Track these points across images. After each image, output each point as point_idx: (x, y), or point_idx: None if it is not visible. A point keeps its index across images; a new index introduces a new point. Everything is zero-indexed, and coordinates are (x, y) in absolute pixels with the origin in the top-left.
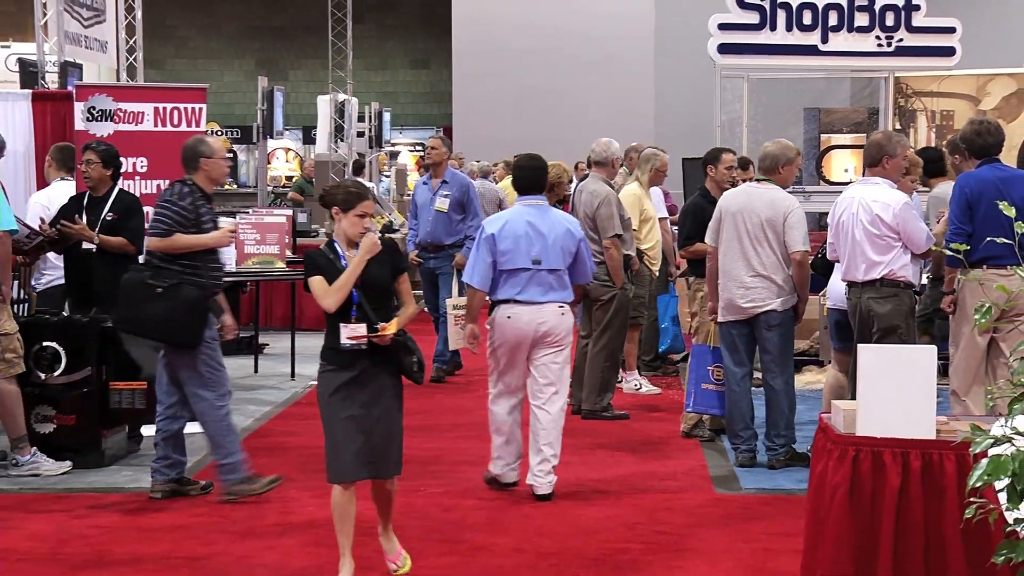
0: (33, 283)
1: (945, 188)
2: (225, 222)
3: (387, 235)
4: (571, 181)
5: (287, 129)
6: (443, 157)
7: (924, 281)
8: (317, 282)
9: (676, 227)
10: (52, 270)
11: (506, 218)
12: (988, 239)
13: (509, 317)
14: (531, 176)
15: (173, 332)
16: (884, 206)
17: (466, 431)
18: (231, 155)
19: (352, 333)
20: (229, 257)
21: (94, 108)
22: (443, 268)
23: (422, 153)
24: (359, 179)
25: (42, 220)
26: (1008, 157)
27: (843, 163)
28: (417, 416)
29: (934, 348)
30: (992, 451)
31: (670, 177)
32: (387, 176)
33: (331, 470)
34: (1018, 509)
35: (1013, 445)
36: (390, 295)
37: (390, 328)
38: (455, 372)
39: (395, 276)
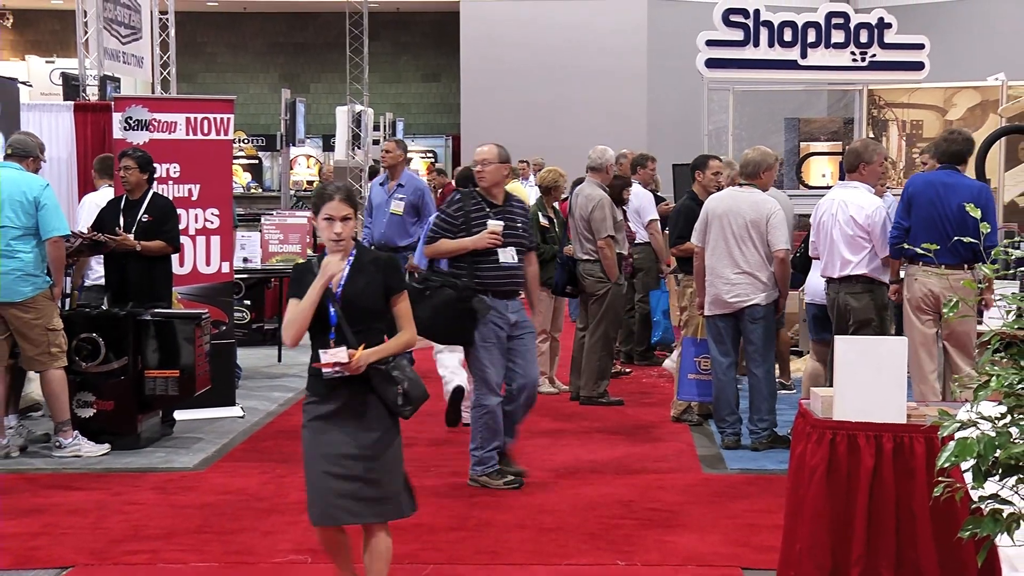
0: (83, 280)
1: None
2: (493, 224)
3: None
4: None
5: (308, 137)
6: (398, 159)
7: (902, 276)
8: (289, 307)
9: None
10: (101, 267)
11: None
12: (921, 244)
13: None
14: (468, 184)
15: (438, 333)
16: (859, 208)
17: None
18: (257, 161)
19: (329, 359)
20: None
21: (131, 118)
22: None
23: (432, 159)
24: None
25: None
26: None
27: (821, 168)
28: (428, 403)
29: (905, 340)
30: (959, 434)
31: (661, 181)
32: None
33: (311, 512)
34: (982, 488)
35: (978, 429)
36: (380, 317)
37: (363, 355)
38: None
39: (388, 295)
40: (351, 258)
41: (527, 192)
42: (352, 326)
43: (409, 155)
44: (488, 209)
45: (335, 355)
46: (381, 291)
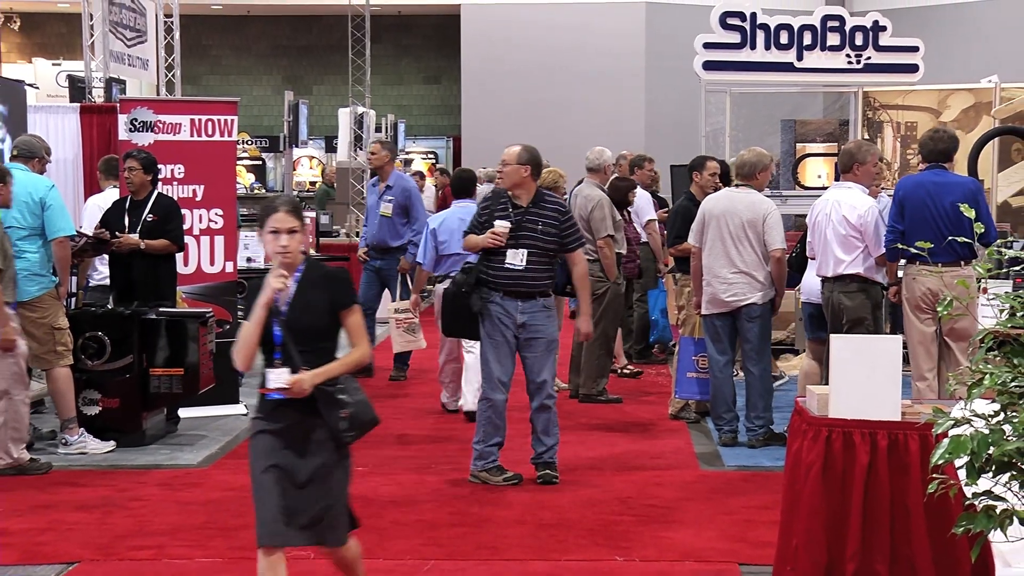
0: (88, 280)
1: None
2: (498, 225)
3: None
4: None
5: (311, 139)
6: (383, 161)
7: (900, 273)
8: (242, 329)
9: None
10: (105, 267)
11: (444, 216)
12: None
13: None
14: (462, 185)
15: (444, 324)
16: (851, 208)
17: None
18: (260, 162)
19: (273, 381)
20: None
21: (136, 120)
22: (389, 271)
23: (433, 160)
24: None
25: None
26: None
27: (816, 170)
28: (430, 400)
29: (899, 338)
30: (952, 432)
31: (660, 181)
32: None
33: (257, 532)
34: (976, 484)
35: (972, 426)
36: (330, 335)
37: (305, 378)
38: (395, 378)
39: (336, 311)
40: (298, 274)
41: None
42: (299, 345)
43: (409, 155)
44: (511, 210)
45: (278, 376)
46: (328, 307)
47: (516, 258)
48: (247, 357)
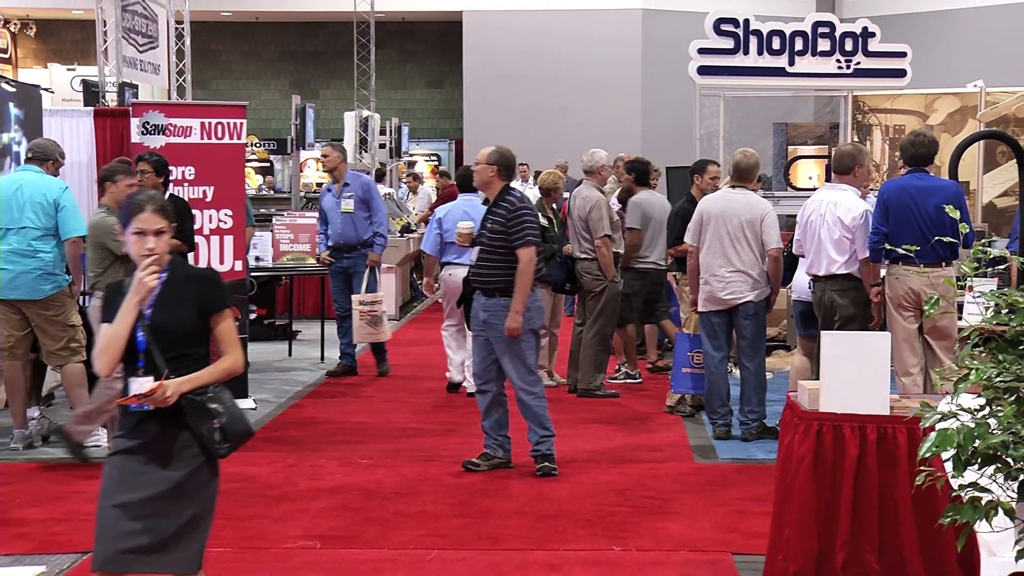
0: None
1: (645, 196)
2: (459, 224)
3: (195, 264)
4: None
5: (317, 141)
6: (336, 162)
7: (883, 274)
8: (101, 333)
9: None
10: None
11: (450, 207)
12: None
13: (450, 274)
14: (466, 181)
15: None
16: (846, 210)
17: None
18: (268, 164)
19: (134, 390)
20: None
21: (148, 123)
22: (357, 267)
23: (436, 162)
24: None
25: None
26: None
27: (807, 171)
28: (433, 394)
29: (888, 335)
30: (939, 425)
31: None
32: (405, 183)
33: (93, 556)
34: (962, 476)
35: (958, 420)
36: (199, 341)
37: (169, 385)
38: (347, 375)
39: (205, 315)
40: (164, 274)
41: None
42: (165, 352)
43: (413, 157)
44: (485, 208)
45: (141, 385)
46: (196, 311)
47: (474, 255)
48: (111, 363)
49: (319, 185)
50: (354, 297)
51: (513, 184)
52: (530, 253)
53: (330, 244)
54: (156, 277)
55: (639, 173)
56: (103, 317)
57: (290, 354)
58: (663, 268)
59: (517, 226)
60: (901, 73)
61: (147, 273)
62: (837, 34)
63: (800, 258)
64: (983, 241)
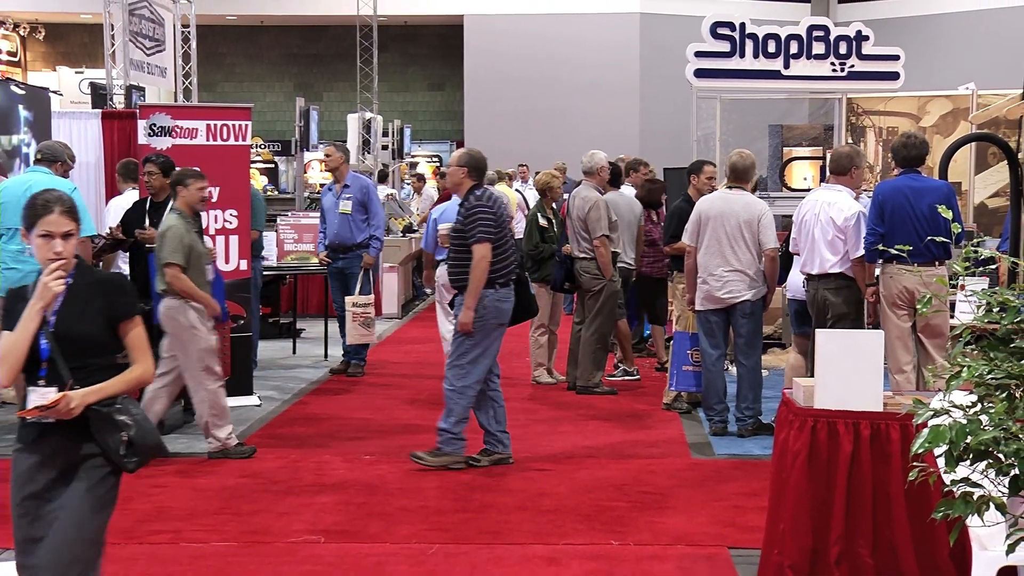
0: None
1: (613, 196)
2: (443, 226)
3: (111, 270)
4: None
5: (321, 143)
6: (339, 163)
7: (877, 273)
8: (2, 340)
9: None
10: (126, 267)
11: (445, 207)
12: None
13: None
14: None
15: None
16: (839, 211)
17: None
18: (273, 165)
19: (35, 401)
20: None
21: (155, 125)
22: (352, 267)
23: (438, 163)
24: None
25: (110, 228)
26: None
27: (802, 172)
28: (434, 391)
29: (881, 333)
30: (932, 422)
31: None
32: (407, 183)
33: None
34: (954, 472)
35: (950, 416)
36: (105, 350)
37: (73, 396)
38: (352, 374)
39: (114, 323)
40: (69, 279)
41: (520, 195)
42: (69, 361)
43: (415, 159)
44: None
45: (43, 396)
46: (103, 319)
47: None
48: (13, 371)
49: (322, 186)
50: (347, 299)
51: (516, 185)
52: (482, 249)
53: (326, 244)
54: (62, 282)
55: (612, 175)
56: (4, 324)
57: (294, 352)
58: (631, 267)
59: (472, 223)
60: (894, 76)
61: (53, 278)
62: (831, 38)
63: (795, 257)
64: (974, 241)
